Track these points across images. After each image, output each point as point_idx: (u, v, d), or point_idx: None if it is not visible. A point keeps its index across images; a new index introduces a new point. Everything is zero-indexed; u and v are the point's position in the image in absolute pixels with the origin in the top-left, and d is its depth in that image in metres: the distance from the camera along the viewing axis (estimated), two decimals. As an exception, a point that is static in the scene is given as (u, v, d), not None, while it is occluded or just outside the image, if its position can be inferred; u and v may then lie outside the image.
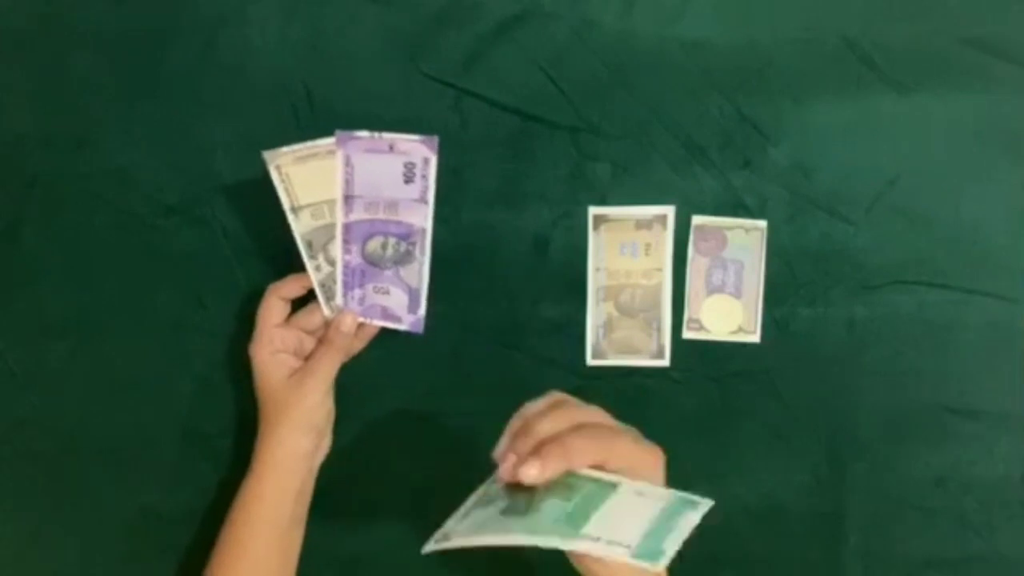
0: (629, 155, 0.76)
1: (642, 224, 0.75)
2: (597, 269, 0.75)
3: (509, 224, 0.76)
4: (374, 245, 0.70)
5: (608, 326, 0.76)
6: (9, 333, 0.78)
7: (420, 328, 0.72)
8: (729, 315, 0.76)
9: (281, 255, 0.77)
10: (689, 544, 0.77)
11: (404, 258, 0.71)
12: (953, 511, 0.76)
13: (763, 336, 0.76)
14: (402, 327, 0.72)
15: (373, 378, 0.74)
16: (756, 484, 0.77)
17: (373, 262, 0.70)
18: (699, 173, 0.76)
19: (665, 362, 0.76)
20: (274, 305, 0.71)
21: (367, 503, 0.77)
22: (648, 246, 0.75)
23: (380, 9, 0.77)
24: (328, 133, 0.76)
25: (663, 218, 0.75)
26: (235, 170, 0.77)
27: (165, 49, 0.77)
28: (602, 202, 0.76)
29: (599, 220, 0.75)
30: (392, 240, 0.70)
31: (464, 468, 0.77)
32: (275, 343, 0.71)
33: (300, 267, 0.77)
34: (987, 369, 0.76)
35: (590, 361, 0.77)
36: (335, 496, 0.74)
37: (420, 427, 0.77)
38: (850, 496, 0.76)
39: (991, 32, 0.76)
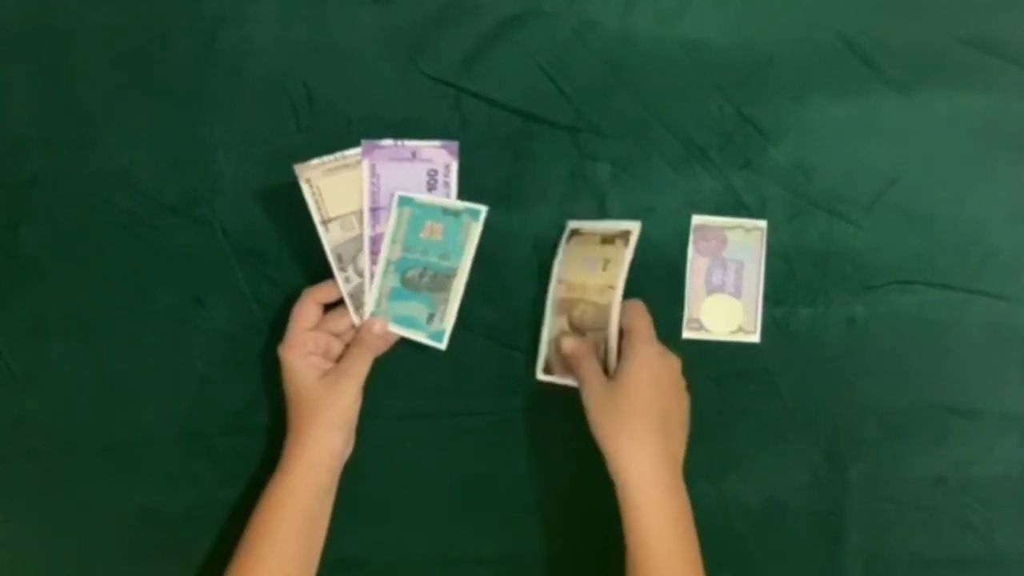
0: (629, 155, 0.77)
1: (607, 239, 0.73)
2: (560, 281, 0.74)
3: (509, 224, 0.76)
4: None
5: (557, 342, 0.74)
6: (9, 333, 0.78)
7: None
8: (729, 315, 0.76)
9: (282, 256, 0.77)
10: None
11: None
12: (953, 511, 0.76)
13: (763, 336, 0.76)
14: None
15: (373, 378, 0.74)
16: (756, 484, 0.77)
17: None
18: (699, 173, 0.76)
19: None
20: (309, 309, 0.72)
21: (367, 503, 0.77)
22: (607, 262, 0.72)
23: (380, 9, 0.77)
24: (328, 133, 0.76)
25: (627, 235, 0.72)
26: (235, 170, 0.77)
27: (165, 49, 0.77)
28: (602, 202, 0.76)
29: (574, 233, 0.74)
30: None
31: (465, 468, 0.78)
32: (308, 346, 0.72)
33: (301, 266, 0.77)
34: (987, 369, 0.76)
35: (540, 376, 0.75)
36: (335, 496, 0.74)
37: (420, 427, 0.77)
38: (850, 496, 0.76)
39: (991, 32, 0.76)
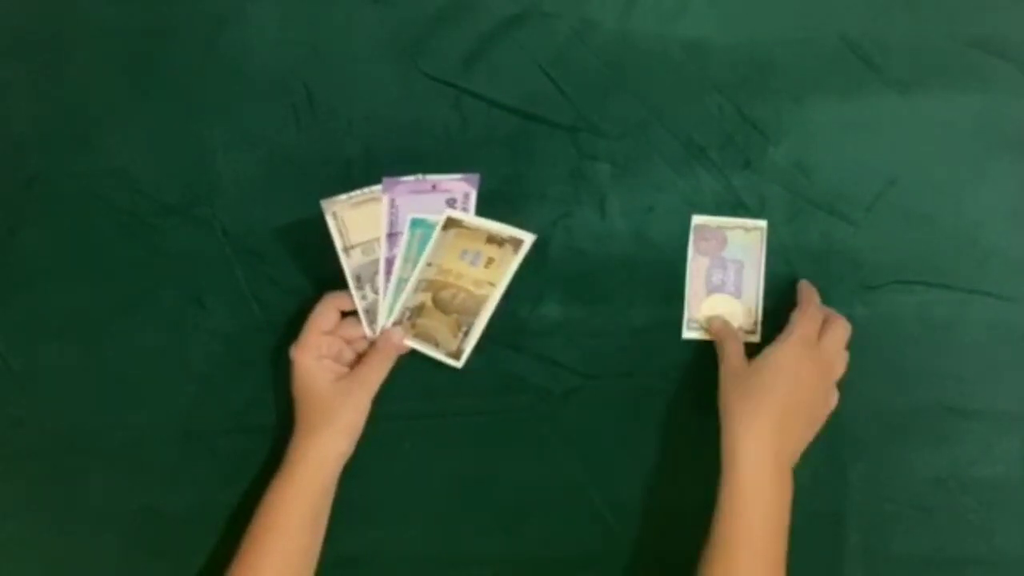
0: (629, 155, 0.77)
1: (495, 239, 0.73)
2: (429, 264, 0.73)
3: (509, 224, 0.76)
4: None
5: (417, 311, 0.73)
6: (9, 333, 0.78)
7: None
8: (729, 315, 0.76)
9: (282, 256, 0.77)
10: (690, 544, 0.77)
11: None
12: (953, 511, 0.76)
13: (763, 336, 0.76)
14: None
15: (373, 378, 0.74)
16: (756, 484, 0.77)
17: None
18: (699, 173, 0.76)
19: (459, 364, 0.73)
20: (329, 314, 0.73)
21: (367, 503, 0.77)
22: (491, 260, 0.72)
23: (380, 9, 0.77)
24: (328, 133, 0.77)
25: (518, 243, 0.72)
26: (235, 170, 0.77)
27: (165, 49, 0.77)
28: (602, 202, 0.76)
29: (453, 223, 0.73)
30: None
31: (465, 468, 0.78)
32: (321, 349, 0.72)
33: (301, 266, 0.77)
34: (987, 369, 0.76)
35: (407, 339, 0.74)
36: (335, 496, 0.74)
37: (420, 427, 0.77)
38: (850, 496, 0.76)
39: (991, 32, 0.76)
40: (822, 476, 0.76)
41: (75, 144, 0.77)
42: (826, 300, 0.76)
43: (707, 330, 0.75)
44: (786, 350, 0.70)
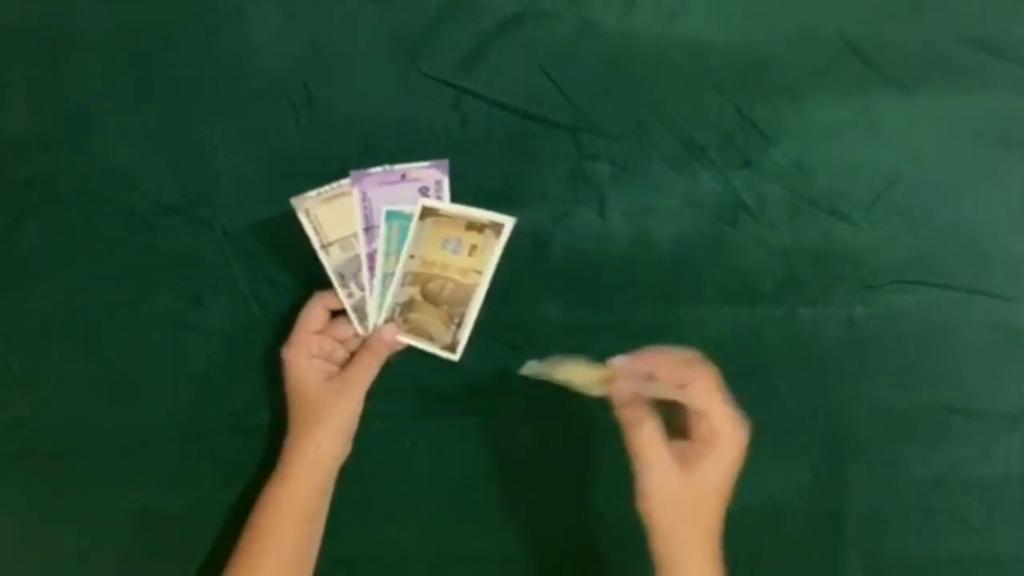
0: (629, 155, 0.77)
1: (474, 226, 0.72)
2: (412, 256, 0.73)
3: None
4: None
5: (407, 306, 0.73)
6: (9, 333, 0.78)
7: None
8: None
9: (282, 256, 0.77)
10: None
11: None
12: (953, 511, 0.76)
13: (763, 336, 0.76)
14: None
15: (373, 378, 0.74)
16: (756, 484, 0.76)
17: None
18: (699, 173, 0.76)
19: (455, 356, 0.73)
20: (318, 313, 0.73)
21: (367, 503, 0.77)
22: (473, 247, 0.72)
23: (380, 9, 0.77)
24: (328, 133, 0.76)
25: (499, 227, 0.71)
26: (235, 170, 0.77)
27: (165, 49, 0.77)
28: (602, 202, 0.76)
29: (429, 212, 0.72)
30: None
31: (465, 468, 0.78)
32: (312, 348, 0.72)
33: (300, 266, 0.77)
34: (987, 369, 0.76)
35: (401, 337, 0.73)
36: (335, 496, 0.74)
37: (420, 427, 0.77)
38: (850, 496, 0.76)
39: (991, 32, 0.76)
40: (822, 476, 0.76)
41: (75, 144, 0.77)
42: (826, 300, 0.76)
43: (614, 401, 0.64)
44: (731, 458, 0.63)
